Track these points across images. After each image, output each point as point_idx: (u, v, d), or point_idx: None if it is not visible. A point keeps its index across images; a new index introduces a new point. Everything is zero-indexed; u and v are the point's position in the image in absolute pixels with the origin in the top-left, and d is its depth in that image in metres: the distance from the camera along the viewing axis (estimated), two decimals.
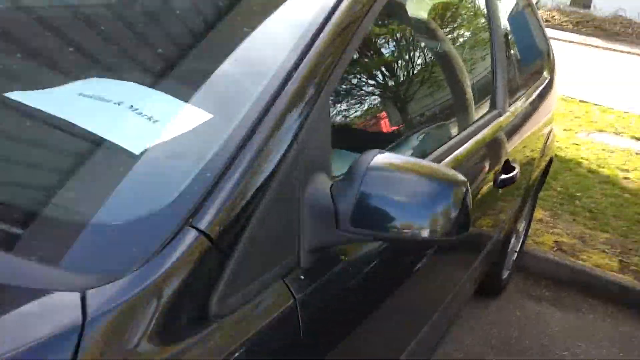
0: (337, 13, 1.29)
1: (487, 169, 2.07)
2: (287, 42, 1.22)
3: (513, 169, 2.24)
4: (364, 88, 1.54)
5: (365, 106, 1.56)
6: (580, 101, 8.23)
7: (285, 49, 1.20)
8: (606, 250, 4.06)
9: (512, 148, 2.39)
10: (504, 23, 2.70)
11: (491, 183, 2.13)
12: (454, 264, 2.17)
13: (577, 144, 6.31)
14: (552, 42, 4.01)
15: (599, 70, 11.09)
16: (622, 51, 14.25)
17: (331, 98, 1.29)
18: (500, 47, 2.38)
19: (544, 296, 3.58)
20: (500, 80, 2.34)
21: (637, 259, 3.97)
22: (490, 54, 2.35)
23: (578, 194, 4.93)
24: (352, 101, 1.49)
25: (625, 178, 5.49)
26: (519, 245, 3.64)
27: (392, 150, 1.51)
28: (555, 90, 3.47)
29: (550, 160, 3.66)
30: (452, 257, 2.08)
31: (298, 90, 1.13)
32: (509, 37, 2.89)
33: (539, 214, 4.51)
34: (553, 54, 3.59)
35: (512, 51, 2.80)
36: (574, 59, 11.84)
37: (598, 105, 8.14)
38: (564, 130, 6.80)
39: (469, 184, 1.17)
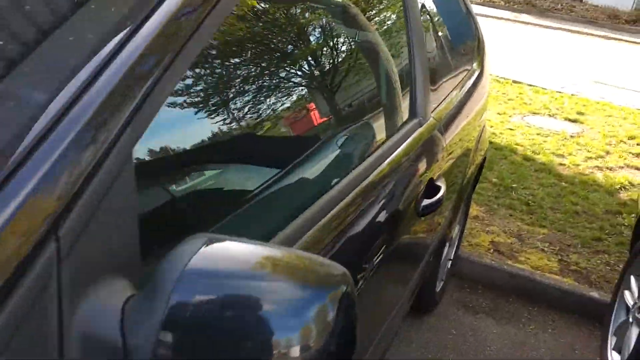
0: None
1: (405, 196, 1.68)
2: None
3: (438, 189, 1.85)
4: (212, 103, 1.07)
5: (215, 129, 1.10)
6: (514, 82, 8.02)
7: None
8: (545, 249, 3.78)
9: (438, 162, 2.00)
10: (428, 9, 2.31)
11: (412, 212, 1.74)
12: (388, 283, 1.79)
13: (511, 129, 6.06)
14: (482, 19, 3.66)
15: (532, 48, 10.96)
16: (553, 27, 14.24)
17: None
18: (418, 41, 1.98)
19: (481, 307, 3.26)
20: (420, 82, 1.94)
21: (575, 257, 3.71)
22: (408, 50, 1.94)
23: (514, 185, 4.65)
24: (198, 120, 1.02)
25: (560, 164, 5.25)
26: (454, 252, 3.30)
27: (264, 201, 1.08)
28: (486, 81, 3.12)
29: (484, 159, 3.32)
30: (386, 278, 1.70)
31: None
32: (432, 27, 2.50)
33: (474, 210, 4.20)
34: (483, 40, 3.23)
35: (435, 44, 2.41)
36: (506, 37, 11.68)
37: (531, 85, 7.95)
38: (498, 114, 6.54)
39: (351, 280, 0.76)
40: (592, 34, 13.90)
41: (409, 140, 1.76)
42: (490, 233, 3.90)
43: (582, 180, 4.92)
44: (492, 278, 3.43)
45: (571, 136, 6.03)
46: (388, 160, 1.58)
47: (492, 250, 3.69)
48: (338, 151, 1.41)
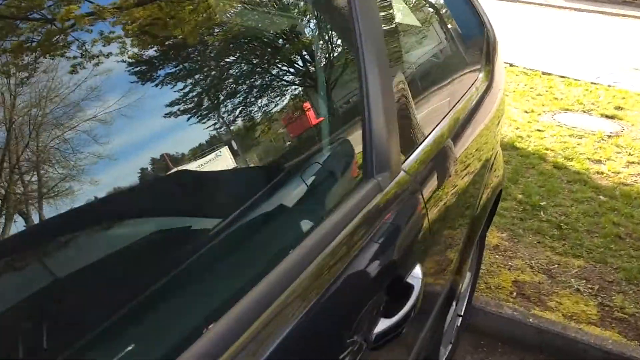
0: None
1: (347, 319, 1.01)
2: None
3: (408, 292, 1.18)
4: None
5: None
6: (543, 73, 7.20)
7: None
8: (580, 288, 3.05)
9: (410, 241, 1.32)
10: (395, 11, 1.62)
11: (358, 340, 1.07)
12: None
13: (540, 130, 5.29)
14: (504, 4, 2.94)
15: (563, 34, 10.05)
16: (586, 10, 13.22)
17: None
18: (376, 59, 1.29)
19: None
20: (381, 121, 1.26)
21: (620, 299, 2.98)
22: (358, 73, 1.26)
23: (543, 203, 3.91)
24: None
25: (598, 173, 4.48)
26: (464, 306, 2.62)
27: None
28: (497, 96, 2.41)
29: (499, 193, 2.61)
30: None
31: None
32: (410, 32, 1.81)
33: (494, 238, 3.49)
34: (495, 43, 2.53)
35: (417, 56, 1.73)
36: (534, 23, 10.78)
37: (563, 77, 7.12)
38: (525, 112, 5.77)
39: None
40: (629, 15, 12.85)
41: (355, 219, 1.09)
42: (514, 269, 3.19)
43: (624, 193, 4.15)
44: (515, 333, 2.73)
45: (609, 136, 5.23)
46: (316, 260, 0.93)
47: (515, 293, 2.99)
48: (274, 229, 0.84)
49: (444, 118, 1.73)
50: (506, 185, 4.13)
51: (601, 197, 4.08)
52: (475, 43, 2.37)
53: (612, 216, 3.80)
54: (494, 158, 2.39)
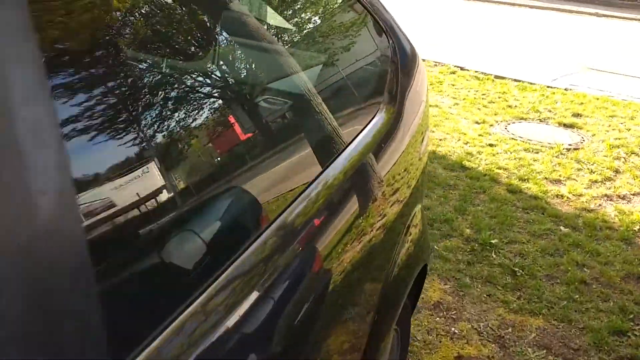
0: None
1: None
2: None
3: None
4: None
5: None
6: (496, 77, 6.60)
7: None
8: None
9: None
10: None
11: None
12: None
13: (492, 145, 4.65)
14: (450, 2, 2.26)
15: (514, 33, 9.49)
16: (535, 7, 12.75)
17: None
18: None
19: None
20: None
21: None
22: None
23: (494, 241, 3.25)
24: None
25: (557, 196, 3.85)
26: None
27: None
28: (409, 133, 1.72)
29: (424, 270, 1.91)
30: None
31: None
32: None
33: (436, 292, 2.81)
34: (411, 69, 1.85)
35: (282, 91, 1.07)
36: (486, 21, 10.22)
37: (517, 80, 6.52)
38: (476, 123, 5.13)
39: None
40: (584, 12, 12.42)
41: None
42: (458, 338, 2.51)
43: (588, 222, 3.52)
44: None
45: (568, 149, 4.63)
46: None
47: None
48: None
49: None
50: (452, 217, 3.47)
51: (562, 228, 3.45)
52: (374, 72, 1.69)
53: (575, 254, 3.16)
54: (411, 221, 1.70)
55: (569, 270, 3.00)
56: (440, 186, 3.87)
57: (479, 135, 4.83)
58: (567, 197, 3.84)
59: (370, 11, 1.64)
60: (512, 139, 4.80)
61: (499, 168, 4.22)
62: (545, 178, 4.10)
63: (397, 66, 1.69)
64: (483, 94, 5.96)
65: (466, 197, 3.73)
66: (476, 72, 6.74)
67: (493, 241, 3.22)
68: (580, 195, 3.88)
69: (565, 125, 5.19)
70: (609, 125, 5.22)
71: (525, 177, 4.07)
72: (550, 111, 5.55)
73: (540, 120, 5.30)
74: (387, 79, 1.64)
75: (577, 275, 2.97)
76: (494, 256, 3.11)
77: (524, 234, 3.35)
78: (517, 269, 2.99)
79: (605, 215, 3.62)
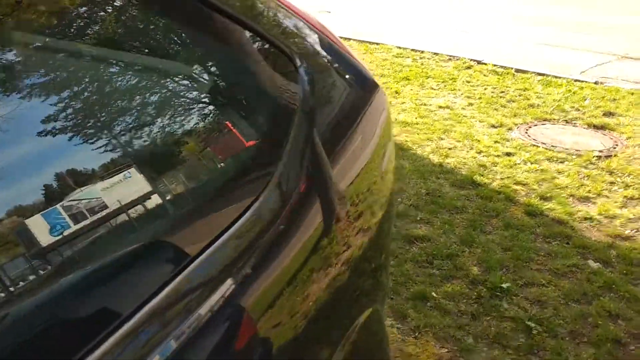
0: None
1: None
2: None
3: None
4: None
5: None
6: (517, 71, 5.90)
7: None
8: None
9: None
10: None
11: None
12: None
13: (509, 154, 4.01)
14: None
15: (541, 16, 8.72)
16: None
17: None
18: None
19: None
20: None
21: None
22: None
23: (506, 285, 2.64)
24: None
25: (586, 219, 3.21)
26: None
27: None
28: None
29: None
30: None
31: None
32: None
33: (429, 358, 2.23)
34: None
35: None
36: (510, 3, 9.45)
37: (541, 75, 5.82)
38: (492, 127, 4.48)
39: None
40: None
41: None
42: None
43: (622, 254, 2.88)
44: None
45: (598, 157, 3.96)
46: None
47: None
48: None
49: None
50: (457, 251, 2.87)
51: (591, 263, 2.82)
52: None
53: (606, 301, 2.53)
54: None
55: (599, 325, 2.38)
56: (446, 209, 3.27)
57: (495, 142, 4.19)
58: (598, 221, 3.19)
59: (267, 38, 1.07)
60: (534, 145, 4.14)
61: (517, 183, 3.59)
62: (572, 195, 3.45)
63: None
64: (502, 92, 5.29)
65: (476, 223, 3.12)
66: (495, 66, 6.05)
67: (505, 285, 2.61)
68: (614, 217, 3.23)
69: (596, 127, 4.51)
70: None
71: (548, 195, 3.44)
72: (578, 110, 4.86)
73: (567, 122, 4.63)
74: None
75: (610, 330, 2.35)
76: (506, 306, 2.51)
77: (543, 273, 2.74)
78: (533, 324, 2.38)
79: None
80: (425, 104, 4.94)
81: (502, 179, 3.64)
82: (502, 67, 6.03)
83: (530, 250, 2.89)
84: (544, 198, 3.41)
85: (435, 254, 2.84)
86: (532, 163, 3.85)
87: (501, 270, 2.73)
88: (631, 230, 3.11)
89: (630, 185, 3.56)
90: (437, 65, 6.08)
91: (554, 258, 2.85)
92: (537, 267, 2.78)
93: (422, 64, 6.14)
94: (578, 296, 2.57)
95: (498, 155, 3.96)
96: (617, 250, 2.92)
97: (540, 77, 5.71)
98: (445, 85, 5.43)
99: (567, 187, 3.54)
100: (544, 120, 4.65)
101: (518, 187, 3.54)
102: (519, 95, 5.19)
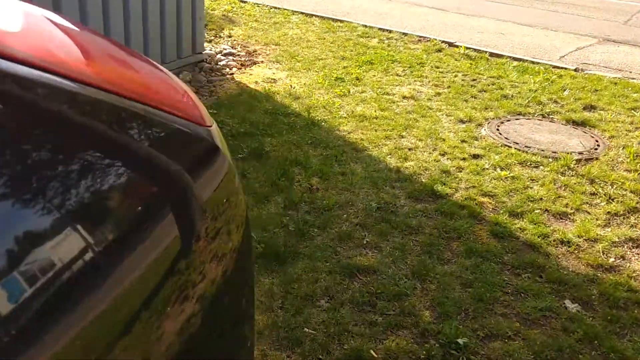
0: None
1: None
2: None
3: None
4: None
5: None
6: (492, 55, 5.33)
7: None
8: None
9: None
10: None
11: None
12: None
13: (478, 156, 3.45)
14: None
15: None
16: None
17: None
18: None
19: None
20: None
21: None
22: None
23: (463, 340, 2.09)
24: None
25: (562, 242, 2.67)
26: None
27: None
28: None
29: None
30: None
31: None
32: None
33: None
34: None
35: None
36: None
37: (517, 60, 5.26)
38: (460, 122, 3.92)
39: None
40: None
41: None
42: None
43: (605, 291, 2.35)
44: None
45: (578, 161, 3.43)
46: None
47: None
48: None
49: None
50: (407, 288, 2.32)
51: (568, 304, 2.29)
52: None
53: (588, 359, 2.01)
54: None
55: None
56: (399, 229, 2.71)
57: (462, 141, 3.63)
58: (576, 245, 2.66)
59: None
60: (505, 145, 3.59)
61: (484, 195, 3.04)
62: (546, 210, 2.92)
63: None
64: (473, 80, 4.72)
65: (432, 248, 2.57)
66: (468, 49, 5.47)
67: (461, 341, 2.06)
68: (595, 239, 2.70)
69: (575, 124, 3.97)
70: (632, 123, 3.99)
71: (519, 210, 2.89)
72: (556, 102, 4.31)
73: (543, 116, 4.08)
74: None
75: None
76: None
77: (510, 319, 2.20)
78: None
79: (630, 278, 2.46)
80: (388, 93, 4.35)
81: (467, 188, 3.09)
82: (475, 50, 5.45)
83: (496, 286, 2.35)
84: (514, 214, 2.87)
85: (381, 293, 2.29)
86: (502, 169, 3.30)
87: (459, 315, 2.19)
88: (615, 258, 2.58)
89: (614, 198, 3.04)
90: (405, 48, 5.48)
91: (524, 298, 2.31)
92: (503, 310, 2.24)
93: (388, 46, 5.53)
94: (552, 354, 2.04)
95: (464, 158, 3.40)
96: (600, 286, 2.39)
97: (516, 63, 5.14)
98: (411, 72, 4.83)
99: (541, 199, 3.00)
100: (518, 114, 4.10)
101: (485, 200, 2.99)
102: (492, 84, 4.62)
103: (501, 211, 2.89)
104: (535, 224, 2.78)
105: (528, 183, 3.16)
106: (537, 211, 2.89)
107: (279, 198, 2.89)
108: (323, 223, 2.70)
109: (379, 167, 3.25)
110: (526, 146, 3.59)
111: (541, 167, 3.35)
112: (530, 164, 3.37)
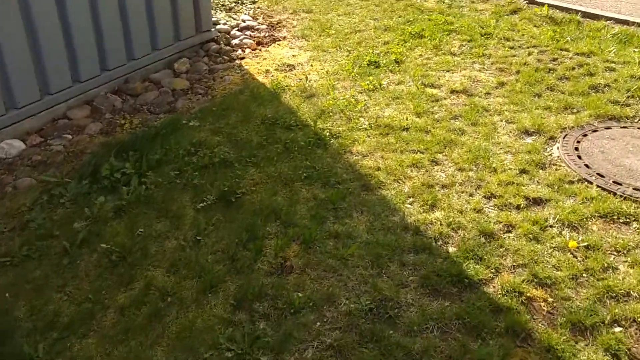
0: None
1: None
2: None
3: None
4: None
5: None
6: (585, 16, 3.98)
7: None
8: None
9: None
10: None
11: None
12: None
13: (539, 202, 2.34)
14: None
15: None
16: None
17: None
18: None
19: None
20: None
21: None
22: None
23: None
24: None
25: None
26: None
27: None
28: None
29: None
30: None
31: None
32: None
33: None
34: None
35: None
36: None
37: (620, 22, 3.88)
38: (525, 133, 2.77)
39: None
40: None
41: None
42: None
43: None
44: None
45: None
46: None
47: None
48: None
49: None
50: None
51: None
52: None
53: None
54: None
55: None
56: (392, 358, 1.75)
57: (522, 171, 2.51)
58: None
59: None
60: (584, 180, 2.44)
61: (539, 283, 1.97)
62: (636, 321, 1.82)
63: None
64: (554, 59, 3.46)
65: None
66: (553, 8, 4.12)
67: None
68: None
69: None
70: None
71: (590, 321, 1.82)
72: None
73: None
74: None
75: None
76: None
77: None
78: None
79: None
80: (432, 85, 3.23)
81: (513, 268, 2.03)
82: (563, 9, 4.09)
83: None
84: (581, 329, 1.80)
85: None
86: (572, 228, 2.19)
87: None
88: None
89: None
90: (470, 10, 4.22)
91: None
92: None
93: (449, 7, 4.29)
94: None
95: (519, 207, 2.30)
96: None
97: (617, 28, 3.77)
98: (471, 48, 3.64)
99: (629, 294, 1.90)
100: (611, 118, 2.87)
101: (538, 294, 1.93)
102: (579, 67, 3.35)
103: (561, 320, 1.83)
104: (614, 354, 1.72)
105: (611, 260, 2.04)
106: (622, 324, 1.81)
107: (232, 286, 1.99)
108: (280, 343, 1.78)
109: (391, 223, 2.25)
110: (615, 182, 2.42)
111: (635, 223, 2.20)
112: (619, 219, 2.22)
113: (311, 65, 3.52)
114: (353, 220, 2.27)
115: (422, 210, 2.32)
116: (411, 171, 2.55)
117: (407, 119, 2.93)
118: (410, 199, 2.39)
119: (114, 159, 2.59)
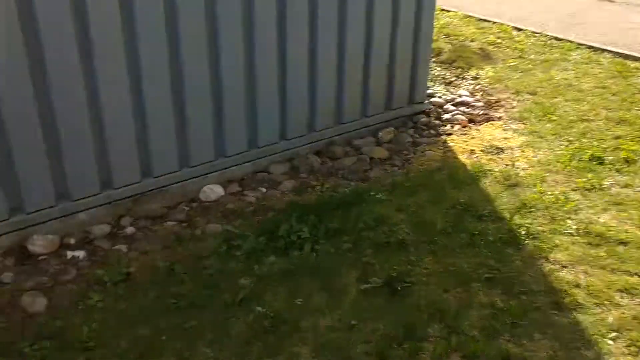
0: None
1: None
2: None
3: None
4: None
5: None
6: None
7: None
8: None
9: None
10: None
11: None
12: None
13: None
14: None
15: None
16: None
17: None
18: None
19: None
20: None
21: None
22: None
23: None
24: None
25: None
26: None
27: None
28: None
29: None
30: None
31: None
32: None
33: None
34: None
35: None
36: None
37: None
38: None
39: None
40: None
41: None
42: None
43: None
44: None
45: None
46: None
47: None
48: None
49: None
50: None
51: None
52: None
53: None
54: None
55: None
56: None
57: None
58: None
59: None
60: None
61: None
62: None
63: None
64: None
65: None
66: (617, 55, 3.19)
67: None
68: None
69: None
70: None
71: None
72: None
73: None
74: None
75: None
76: None
77: None
78: None
79: None
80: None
81: None
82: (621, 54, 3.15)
83: None
84: None
85: None
86: None
87: None
88: None
89: None
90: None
91: None
92: None
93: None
94: None
95: None
96: None
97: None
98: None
99: None
100: None
101: None
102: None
103: None
104: None
105: None
106: None
107: None
108: None
109: (582, 359, 1.82)
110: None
111: None
112: None
113: (522, 151, 3.19)
114: (533, 343, 1.90)
115: (627, 352, 1.85)
116: (622, 297, 2.08)
117: (627, 232, 2.44)
118: (614, 334, 1.93)
119: (294, 220, 2.57)
